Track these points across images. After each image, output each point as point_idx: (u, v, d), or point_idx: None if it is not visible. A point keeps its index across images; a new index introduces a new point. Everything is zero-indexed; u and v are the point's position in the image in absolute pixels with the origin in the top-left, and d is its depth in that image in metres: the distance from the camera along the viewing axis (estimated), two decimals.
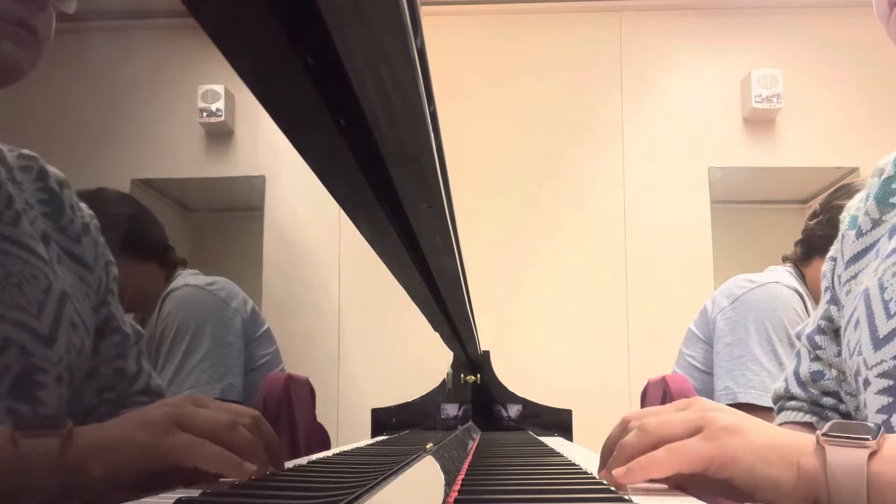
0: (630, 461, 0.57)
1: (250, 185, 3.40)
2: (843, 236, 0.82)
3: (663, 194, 3.34)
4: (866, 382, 0.70)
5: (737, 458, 0.54)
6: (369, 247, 0.66)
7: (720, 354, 1.73)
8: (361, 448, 1.08)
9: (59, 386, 0.73)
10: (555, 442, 1.46)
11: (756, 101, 3.28)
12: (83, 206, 0.86)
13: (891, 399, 0.67)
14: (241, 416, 0.63)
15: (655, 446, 0.57)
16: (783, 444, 0.54)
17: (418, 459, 0.78)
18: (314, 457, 0.88)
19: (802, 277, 1.77)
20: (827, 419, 0.82)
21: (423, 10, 0.33)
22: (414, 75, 0.34)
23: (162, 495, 0.53)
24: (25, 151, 0.81)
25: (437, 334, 1.40)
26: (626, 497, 0.53)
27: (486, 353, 2.10)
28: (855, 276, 0.78)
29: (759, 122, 3.36)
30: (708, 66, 3.42)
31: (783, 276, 1.75)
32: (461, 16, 3.42)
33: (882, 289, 0.69)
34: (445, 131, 0.47)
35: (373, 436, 1.87)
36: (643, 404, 1.90)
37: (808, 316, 1.66)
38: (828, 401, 0.82)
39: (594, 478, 0.65)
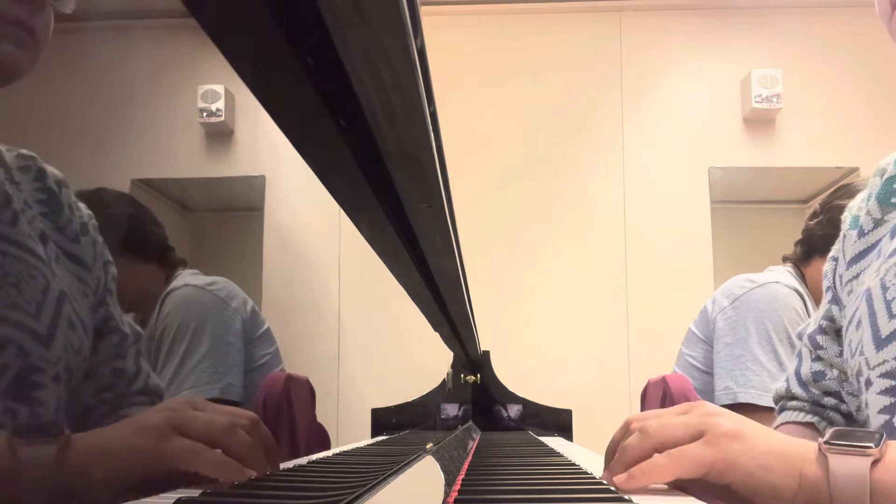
0: (631, 464, 0.57)
1: (250, 185, 3.39)
2: (844, 236, 0.82)
3: (663, 194, 3.34)
4: (868, 383, 0.69)
5: (737, 463, 0.53)
6: (369, 247, 0.66)
7: (720, 354, 1.73)
8: (361, 448, 1.08)
9: (57, 386, 0.73)
10: (555, 442, 1.46)
11: (756, 101, 3.28)
12: (81, 205, 0.86)
13: (893, 399, 0.67)
14: (239, 419, 0.62)
15: (656, 449, 0.57)
16: (785, 451, 0.54)
17: (418, 459, 0.78)
18: (314, 457, 0.88)
19: (802, 277, 1.76)
20: (828, 419, 0.82)
21: (423, 10, 0.33)
22: (414, 75, 0.33)
23: (162, 495, 0.53)
24: (24, 151, 0.81)
25: (437, 334, 1.40)
26: (627, 497, 0.53)
27: (486, 353, 2.10)
28: (857, 276, 0.78)
29: (759, 122, 3.36)
30: (708, 66, 3.42)
31: (783, 276, 1.75)
32: (461, 16, 3.42)
33: (884, 289, 0.69)
34: (445, 131, 0.47)
35: (373, 436, 1.87)
36: (643, 404, 1.90)
37: (808, 316, 1.66)
38: (829, 401, 0.82)
39: (594, 478, 0.65)
